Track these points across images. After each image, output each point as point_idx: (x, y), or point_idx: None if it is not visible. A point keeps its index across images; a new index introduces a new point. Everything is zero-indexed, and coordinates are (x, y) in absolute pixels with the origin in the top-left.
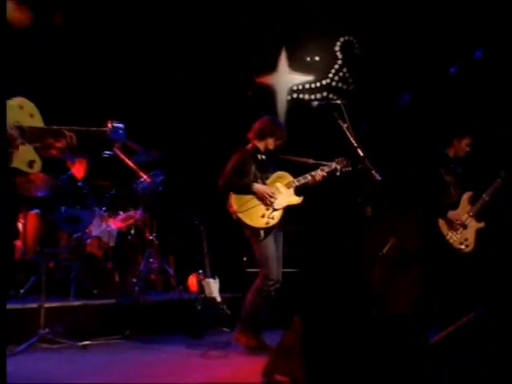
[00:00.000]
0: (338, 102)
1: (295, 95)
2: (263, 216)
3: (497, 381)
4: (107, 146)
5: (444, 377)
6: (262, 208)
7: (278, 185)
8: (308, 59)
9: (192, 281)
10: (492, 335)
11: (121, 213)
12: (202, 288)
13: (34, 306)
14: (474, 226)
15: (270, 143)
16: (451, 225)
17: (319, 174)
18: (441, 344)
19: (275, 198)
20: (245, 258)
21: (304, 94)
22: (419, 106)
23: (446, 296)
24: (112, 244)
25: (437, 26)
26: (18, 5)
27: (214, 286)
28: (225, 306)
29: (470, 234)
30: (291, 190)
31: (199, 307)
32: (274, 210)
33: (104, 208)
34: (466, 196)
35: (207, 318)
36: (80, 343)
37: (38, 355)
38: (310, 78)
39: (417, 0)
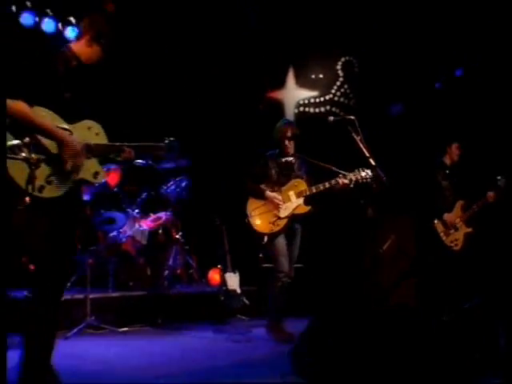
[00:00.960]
0: (352, 117)
1: (301, 108)
2: (269, 223)
3: None
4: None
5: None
6: (269, 215)
7: (291, 193)
8: (313, 76)
9: (212, 275)
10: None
11: (151, 214)
12: (224, 281)
13: (81, 296)
14: (463, 229)
15: (286, 144)
16: (445, 225)
17: (334, 184)
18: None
19: (281, 207)
20: (260, 255)
21: (309, 108)
22: (411, 116)
23: (439, 286)
24: (144, 242)
25: (425, 46)
26: (91, 43)
27: (234, 280)
28: (244, 297)
29: (459, 236)
30: (301, 200)
31: (222, 298)
32: (279, 218)
33: (136, 210)
34: (459, 203)
35: (229, 308)
36: (120, 329)
37: (86, 339)
38: (315, 93)
39: (407, 26)
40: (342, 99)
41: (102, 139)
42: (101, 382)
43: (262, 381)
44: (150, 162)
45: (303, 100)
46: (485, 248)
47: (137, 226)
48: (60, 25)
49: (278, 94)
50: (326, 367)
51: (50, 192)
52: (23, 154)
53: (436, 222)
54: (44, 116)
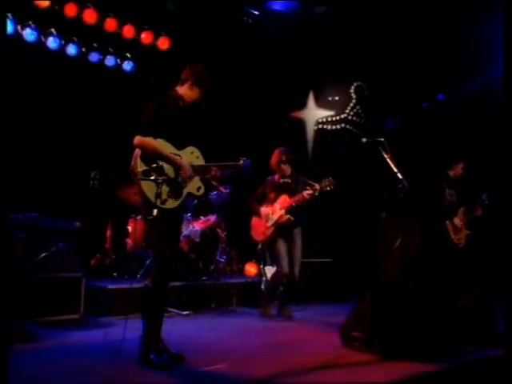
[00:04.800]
0: (382, 139)
1: (320, 126)
2: (261, 232)
3: None
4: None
5: None
6: (262, 225)
7: (278, 206)
8: (330, 99)
9: (248, 268)
10: None
11: (201, 217)
12: (264, 273)
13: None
14: (465, 231)
15: (281, 168)
16: (454, 226)
17: (303, 197)
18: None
19: (269, 218)
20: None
21: (327, 125)
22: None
23: (445, 276)
24: (197, 240)
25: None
26: (192, 87)
27: (272, 272)
28: (281, 287)
29: (463, 235)
30: (283, 211)
31: (262, 287)
32: (267, 227)
33: (189, 214)
34: (461, 209)
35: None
36: (184, 312)
37: None
38: (332, 112)
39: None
40: (354, 118)
41: (200, 161)
42: (189, 348)
43: (317, 352)
44: None
45: (322, 118)
46: (482, 246)
47: (191, 227)
48: (119, 60)
49: (300, 114)
50: (370, 339)
51: (171, 204)
52: (152, 177)
53: (447, 222)
54: (163, 145)
